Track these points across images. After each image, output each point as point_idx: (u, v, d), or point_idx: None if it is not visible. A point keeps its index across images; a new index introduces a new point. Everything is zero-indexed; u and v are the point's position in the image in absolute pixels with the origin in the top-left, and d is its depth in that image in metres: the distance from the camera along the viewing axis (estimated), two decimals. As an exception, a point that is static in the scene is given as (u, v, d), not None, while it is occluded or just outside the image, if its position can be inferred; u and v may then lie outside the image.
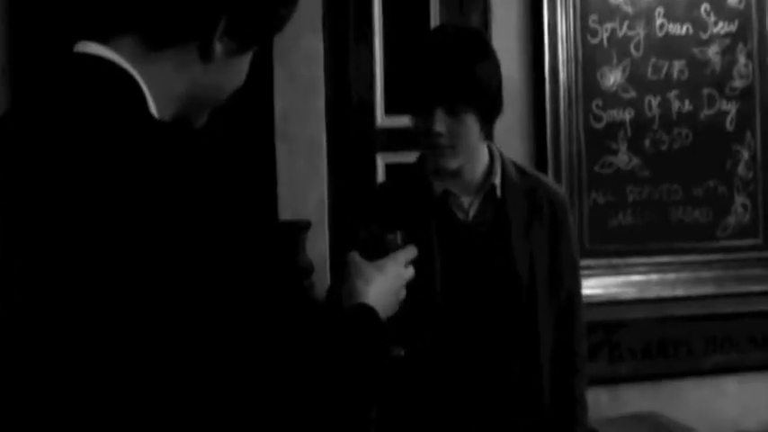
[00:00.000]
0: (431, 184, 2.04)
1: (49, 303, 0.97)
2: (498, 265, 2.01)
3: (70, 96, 1.04)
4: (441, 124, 1.90)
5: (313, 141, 2.94)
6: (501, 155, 2.13)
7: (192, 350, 0.95)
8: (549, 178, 2.18)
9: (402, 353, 1.54)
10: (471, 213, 2.05)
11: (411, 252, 1.55)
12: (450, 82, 1.88)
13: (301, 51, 2.90)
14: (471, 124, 1.92)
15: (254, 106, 2.93)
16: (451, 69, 1.89)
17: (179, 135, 1.09)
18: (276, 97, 2.91)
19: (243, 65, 1.17)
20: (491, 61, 1.95)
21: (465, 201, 2.05)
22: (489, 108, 1.95)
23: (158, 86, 1.08)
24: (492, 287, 2.01)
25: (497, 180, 2.06)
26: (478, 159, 2.06)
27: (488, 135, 2.06)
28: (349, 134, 2.96)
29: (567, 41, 3.02)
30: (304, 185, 2.92)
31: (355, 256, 1.49)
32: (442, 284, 1.91)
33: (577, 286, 2.14)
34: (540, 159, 3.05)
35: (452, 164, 1.96)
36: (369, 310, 1.30)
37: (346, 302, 1.39)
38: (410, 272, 1.53)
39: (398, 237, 1.58)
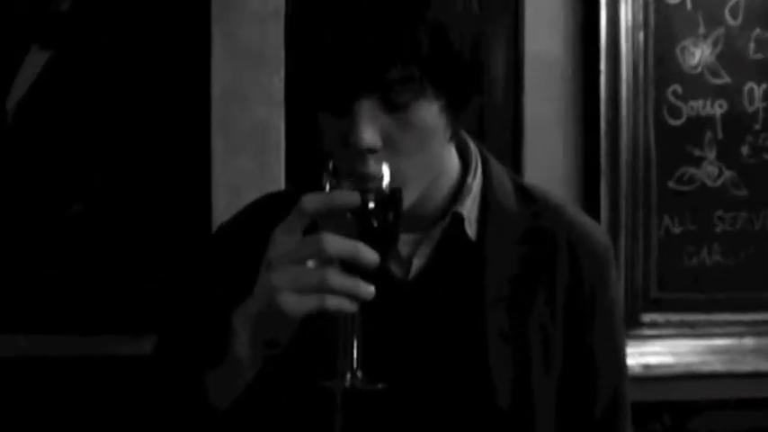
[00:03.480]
0: None
1: None
2: (457, 372, 1.20)
3: None
4: (370, 129, 1.06)
5: (265, 132, 2.24)
6: (485, 159, 1.29)
7: None
8: (576, 209, 1.35)
9: (380, 386, 1.04)
10: (415, 266, 1.22)
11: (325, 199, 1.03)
12: (387, 36, 1.04)
13: (250, 6, 2.23)
14: (431, 120, 1.10)
15: (183, 83, 2.24)
16: (386, 13, 1.04)
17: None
18: (213, 71, 2.21)
19: None
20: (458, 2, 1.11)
21: (405, 241, 1.21)
22: (462, 85, 1.12)
23: None
24: (442, 412, 1.20)
25: (467, 208, 1.23)
26: (441, 173, 1.22)
27: (457, 131, 1.20)
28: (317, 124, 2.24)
29: (633, 1, 2.33)
30: (249, 191, 2.19)
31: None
32: (346, 402, 1.08)
33: (622, 395, 1.30)
34: (589, 169, 2.35)
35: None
36: None
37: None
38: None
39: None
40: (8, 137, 2.19)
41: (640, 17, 2.31)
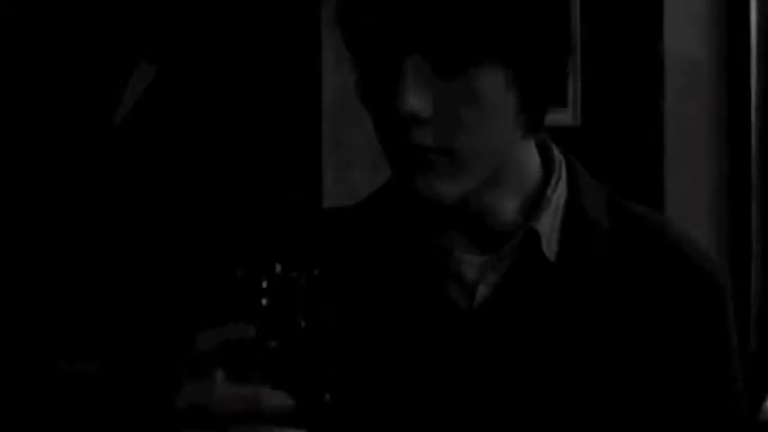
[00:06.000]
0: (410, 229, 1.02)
1: None
2: (526, 428, 1.02)
3: None
4: (419, 94, 0.91)
5: (379, 148, 2.14)
6: (574, 169, 1.08)
7: None
8: (688, 236, 1.13)
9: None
10: (481, 293, 1.03)
11: None
12: None
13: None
14: (495, 94, 0.93)
15: (293, 93, 2.14)
16: None
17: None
18: (324, 81, 2.11)
19: None
20: None
21: (470, 265, 1.04)
22: (535, 54, 0.95)
23: None
24: None
25: (545, 225, 1.03)
26: (513, 174, 1.02)
27: (535, 123, 1.02)
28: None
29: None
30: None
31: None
32: None
33: None
34: (738, 185, 2.13)
35: (448, 189, 0.95)
36: None
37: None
38: None
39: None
40: (116, 153, 2.14)
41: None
